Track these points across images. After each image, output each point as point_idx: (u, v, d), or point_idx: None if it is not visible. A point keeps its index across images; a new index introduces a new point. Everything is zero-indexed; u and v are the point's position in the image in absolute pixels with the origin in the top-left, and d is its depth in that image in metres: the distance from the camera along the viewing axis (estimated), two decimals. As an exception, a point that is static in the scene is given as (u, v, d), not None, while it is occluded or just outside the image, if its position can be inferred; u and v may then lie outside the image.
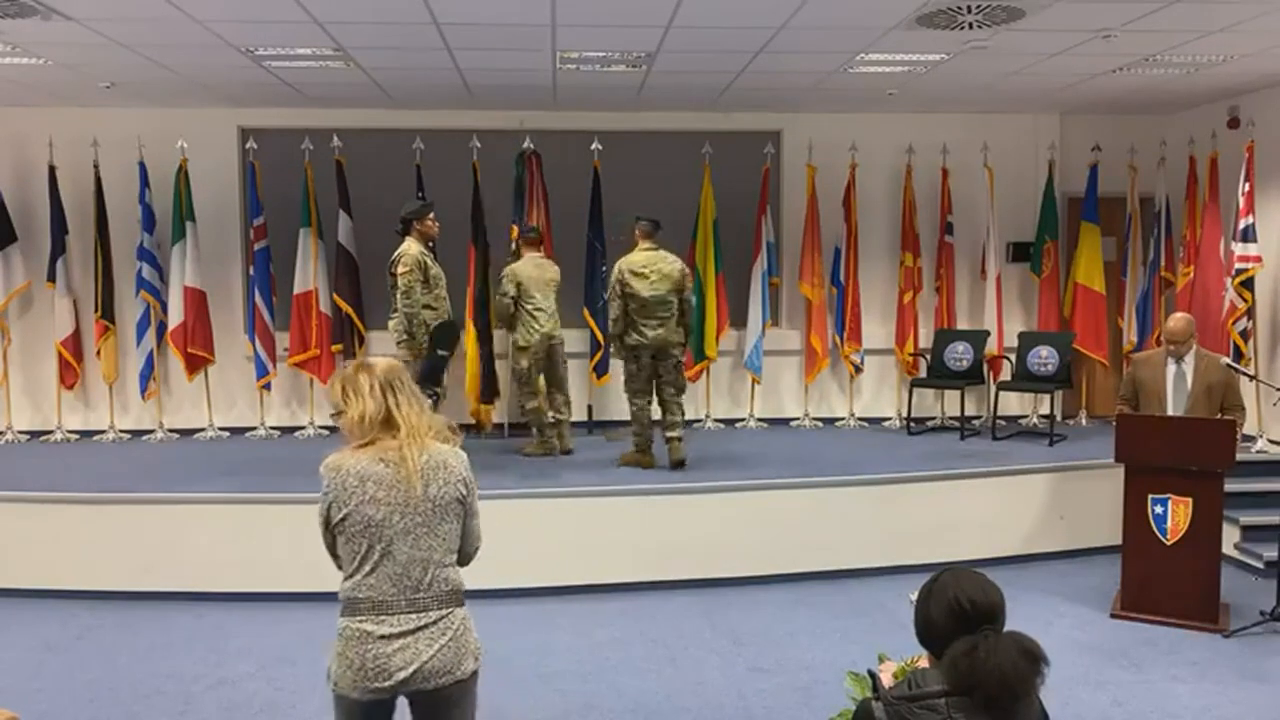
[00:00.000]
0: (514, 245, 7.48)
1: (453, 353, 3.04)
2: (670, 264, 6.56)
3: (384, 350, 8.10)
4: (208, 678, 4.74)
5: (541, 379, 7.20)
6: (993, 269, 8.42)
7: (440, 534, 2.63)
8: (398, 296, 6.19)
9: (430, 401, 2.91)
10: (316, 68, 6.60)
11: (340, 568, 2.68)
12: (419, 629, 2.59)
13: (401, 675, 2.57)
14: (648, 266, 6.52)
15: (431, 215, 6.42)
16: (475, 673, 2.73)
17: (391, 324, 6.38)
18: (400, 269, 6.17)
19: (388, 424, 2.61)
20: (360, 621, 2.59)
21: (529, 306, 7.01)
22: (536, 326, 7.01)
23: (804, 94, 7.68)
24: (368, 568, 2.59)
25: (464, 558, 2.79)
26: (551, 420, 7.22)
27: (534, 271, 7.06)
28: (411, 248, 6.25)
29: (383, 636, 2.56)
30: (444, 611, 2.65)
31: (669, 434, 6.61)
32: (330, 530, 2.64)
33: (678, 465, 6.54)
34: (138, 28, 5.68)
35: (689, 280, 6.78)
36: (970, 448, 7.50)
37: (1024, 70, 6.85)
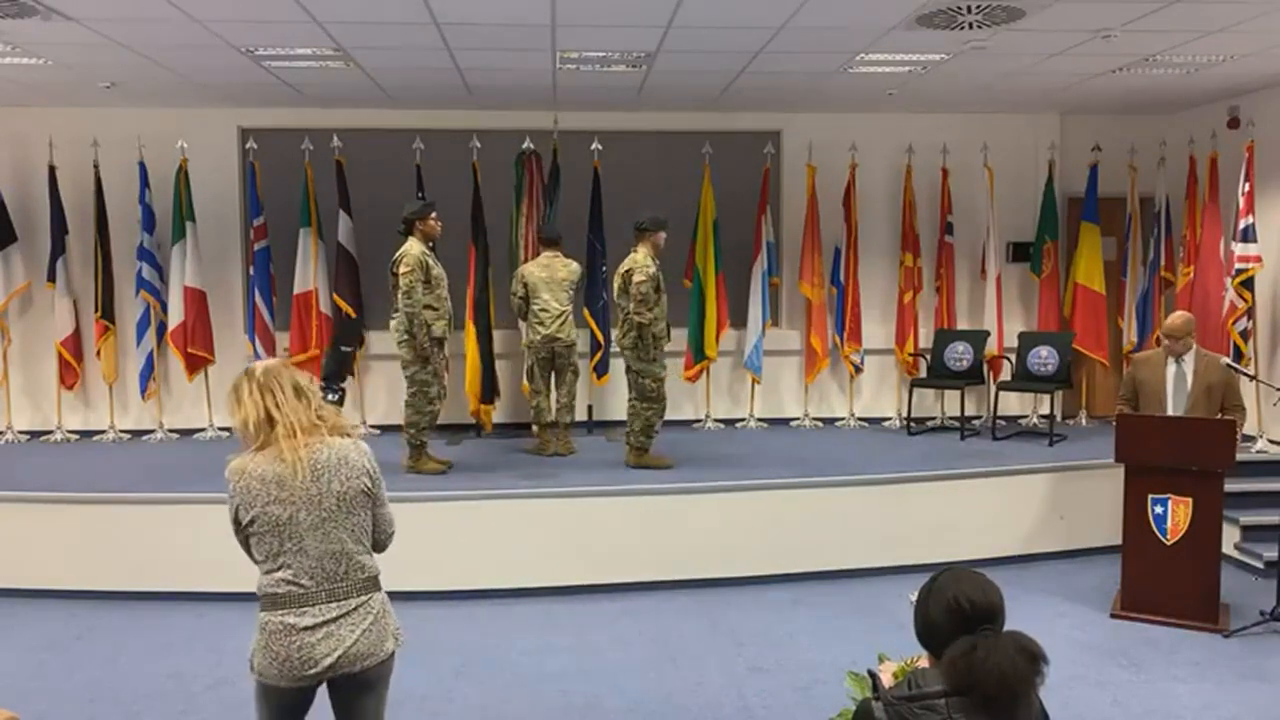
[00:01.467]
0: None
1: (356, 349, 3.11)
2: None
3: (384, 350, 8.10)
4: (208, 678, 4.74)
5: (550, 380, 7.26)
6: (993, 269, 8.42)
7: (349, 526, 2.74)
8: (399, 296, 6.20)
9: (335, 398, 2.99)
10: (316, 68, 6.60)
11: (256, 564, 2.78)
12: (340, 617, 2.71)
13: (327, 662, 2.69)
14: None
15: (434, 215, 6.43)
16: (393, 654, 2.86)
17: (393, 324, 6.39)
18: (402, 269, 6.17)
19: (272, 425, 2.72)
20: (282, 615, 2.69)
21: (535, 307, 7.03)
22: (539, 327, 7.02)
23: (804, 94, 7.68)
24: (282, 564, 2.70)
25: (378, 545, 2.90)
26: (550, 420, 7.23)
27: (541, 272, 7.06)
28: (413, 248, 6.25)
29: (306, 628, 2.67)
30: (363, 598, 2.76)
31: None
32: (241, 531, 2.76)
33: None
34: (138, 28, 5.69)
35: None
36: (970, 448, 7.50)
37: (1024, 70, 6.85)
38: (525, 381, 7.48)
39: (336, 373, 3.07)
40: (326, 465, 2.71)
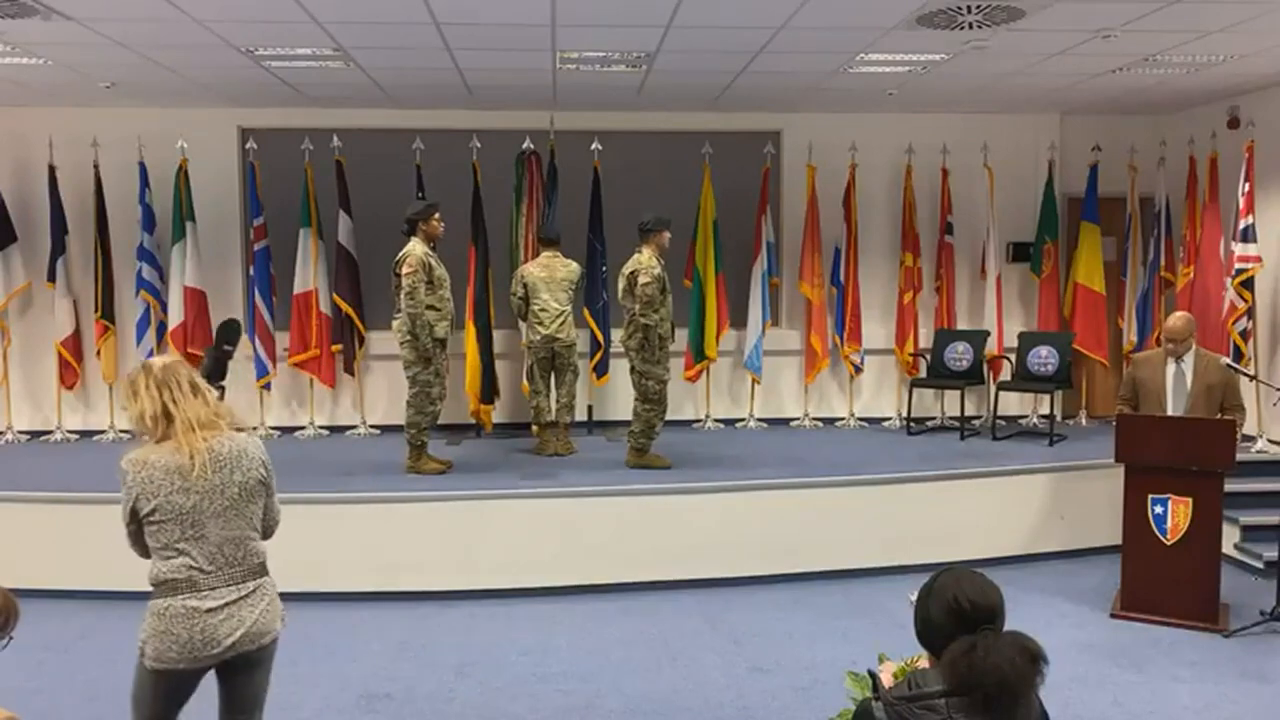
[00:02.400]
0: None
1: (235, 347, 3.17)
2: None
3: (385, 350, 8.12)
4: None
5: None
6: (993, 269, 8.42)
7: (248, 515, 2.93)
8: (402, 297, 6.19)
9: (217, 395, 3.06)
10: (316, 68, 6.60)
11: (144, 555, 2.91)
12: (241, 599, 2.89)
13: (229, 640, 2.86)
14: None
15: (437, 215, 6.43)
16: (278, 633, 3.05)
17: (395, 324, 6.39)
18: (405, 269, 6.17)
19: (170, 419, 2.82)
20: (183, 600, 2.83)
21: (534, 307, 7.04)
22: (539, 327, 7.03)
23: (804, 94, 7.68)
24: (182, 551, 2.82)
25: (267, 532, 3.08)
26: (550, 420, 7.23)
27: (541, 272, 7.07)
28: (416, 248, 6.26)
29: (209, 610, 2.84)
30: (259, 580, 2.97)
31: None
32: (136, 521, 2.85)
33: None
34: (138, 28, 5.68)
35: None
36: (970, 448, 7.50)
37: (1024, 70, 6.85)
38: (525, 381, 7.49)
39: (215, 371, 3.14)
40: (228, 457, 2.87)
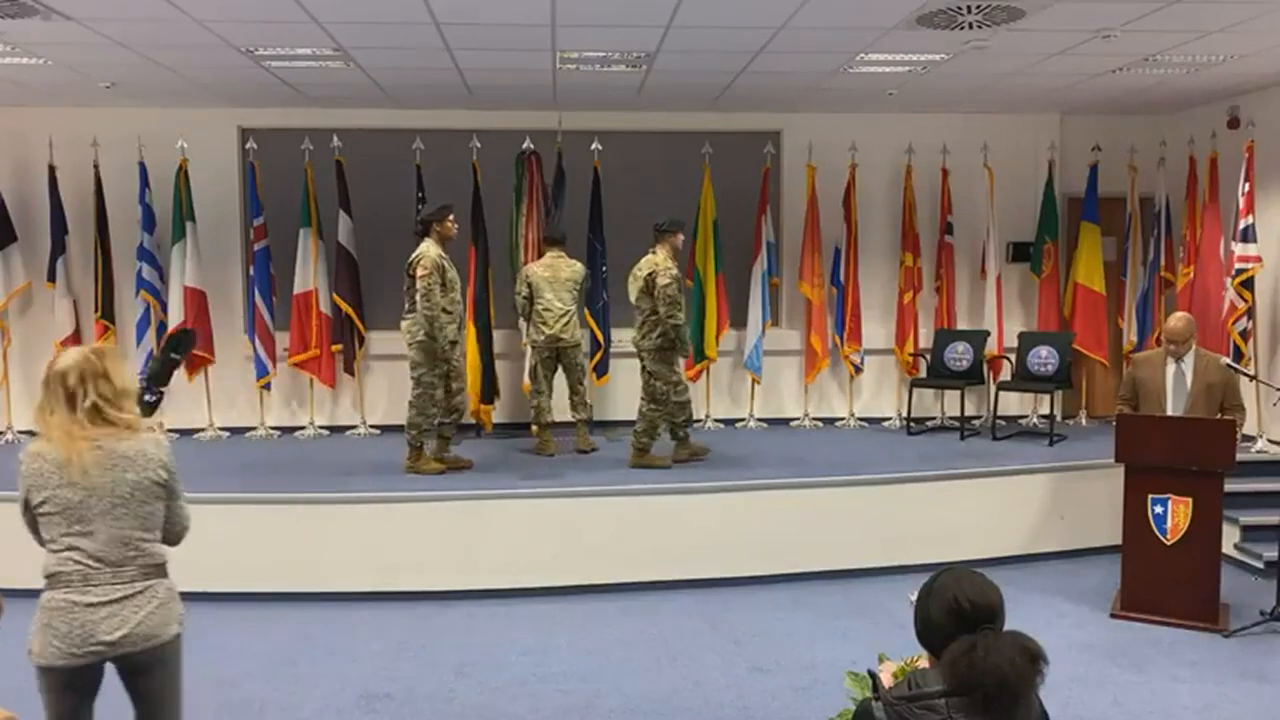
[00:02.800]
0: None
1: (185, 357, 3.16)
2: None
3: (385, 350, 8.14)
4: (208, 678, 4.74)
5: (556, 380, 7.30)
6: (993, 269, 8.42)
7: (140, 515, 2.88)
8: (417, 298, 6.20)
9: (153, 399, 3.08)
10: (316, 68, 6.60)
11: (42, 545, 2.91)
12: (125, 598, 2.85)
13: (109, 639, 2.82)
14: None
15: (451, 217, 6.45)
16: (179, 636, 2.99)
17: (405, 324, 6.40)
18: (420, 271, 6.18)
19: (74, 416, 2.83)
20: (66, 593, 2.83)
21: (539, 306, 7.07)
22: (543, 327, 7.05)
23: (804, 94, 7.68)
24: (69, 544, 2.83)
25: (172, 536, 3.03)
26: (550, 421, 7.23)
27: (545, 272, 7.10)
28: (430, 250, 6.27)
29: (89, 605, 2.82)
30: (148, 582, 2.91)
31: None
32: (30, 512, 2.88)
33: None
34: (138, 28, 5.68)
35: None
36: (970, 448, 7.50)
37: (1024, 70, 6.85)
38: (526, 380, 7.49)
39: (160, 375, 3.13)
40: (124, 456, 2.85)
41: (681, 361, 6.93)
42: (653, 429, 6.71)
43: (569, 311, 7.07)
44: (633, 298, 6.70)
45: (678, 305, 6.51)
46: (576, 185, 7.90)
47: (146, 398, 3.11)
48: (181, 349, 3.24)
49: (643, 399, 6.72)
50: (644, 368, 6.70)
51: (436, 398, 6.43)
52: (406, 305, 6.37)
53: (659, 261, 6.53)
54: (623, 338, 7.48)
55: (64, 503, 2.82)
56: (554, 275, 7.08)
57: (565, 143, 7.96)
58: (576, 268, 7.19)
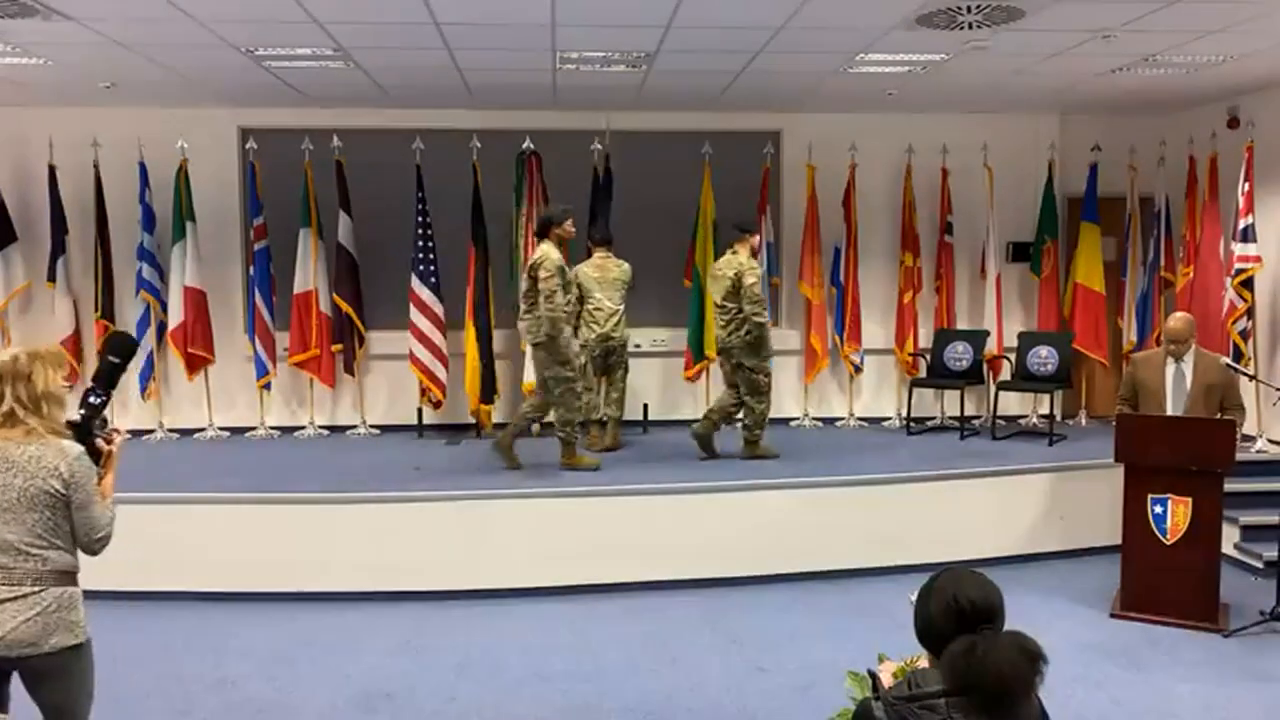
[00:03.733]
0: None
1: (125, 363, 3.12)
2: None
3: (385, 350, 8.14)
4: (208, 678, 4.74)
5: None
6: (992, 269, 8.42)
7: (28, 522, 2.85)
8: (539, 300, 6.27)
9: (97, 400, 3.06)
10: (316, 68, 6.60)
11: None
12: (7, 600, 2.84)
13: None
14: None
15: (571, 220, 6.52)
16: (75, 648, 2.97)
17: (524, 325, 6.52)
18: (543, 273, 6.26)
19: None
20: None
21: (589, 306, 7.19)
22: (595, 326, 7.17)
23: (804, 94, 7.68)
24: None
25: (84, 547, 2.99)
26: (601, 418, 7.38)
27: (595, 273, 7.22)
28: (552, 252, 6.37)
29: None
30: (36, 589, 2.87)
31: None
32: None
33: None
34: (138, 28, 5.68)
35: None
36: (970, 448, 7.51)
37: (1024, 70, 6.85)
38: (526, 381, 7.49)
39: (100, 376, 3.10)
40: (16, 461, 2.83)
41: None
42: (761, 421, 6.95)
43: (618, 310, 7.24)
44: (718, 297, 6.89)
45: (764, 304, 6.81)
46: (576, 185, 7.90)
47: (91, 399, 3.08)
48: (121, 352, 3.18)
49: (744, 394, 6.90)
50: (738, 365, 6.87)
51: (577, 390, 6.52)
52: (524, 306, 6.47)
53: (743, 261, 6.76)
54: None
55: None
56: (603, 275, 7.22)
57: (565, 142, 7.96)
58: (625, 267, 7.32)
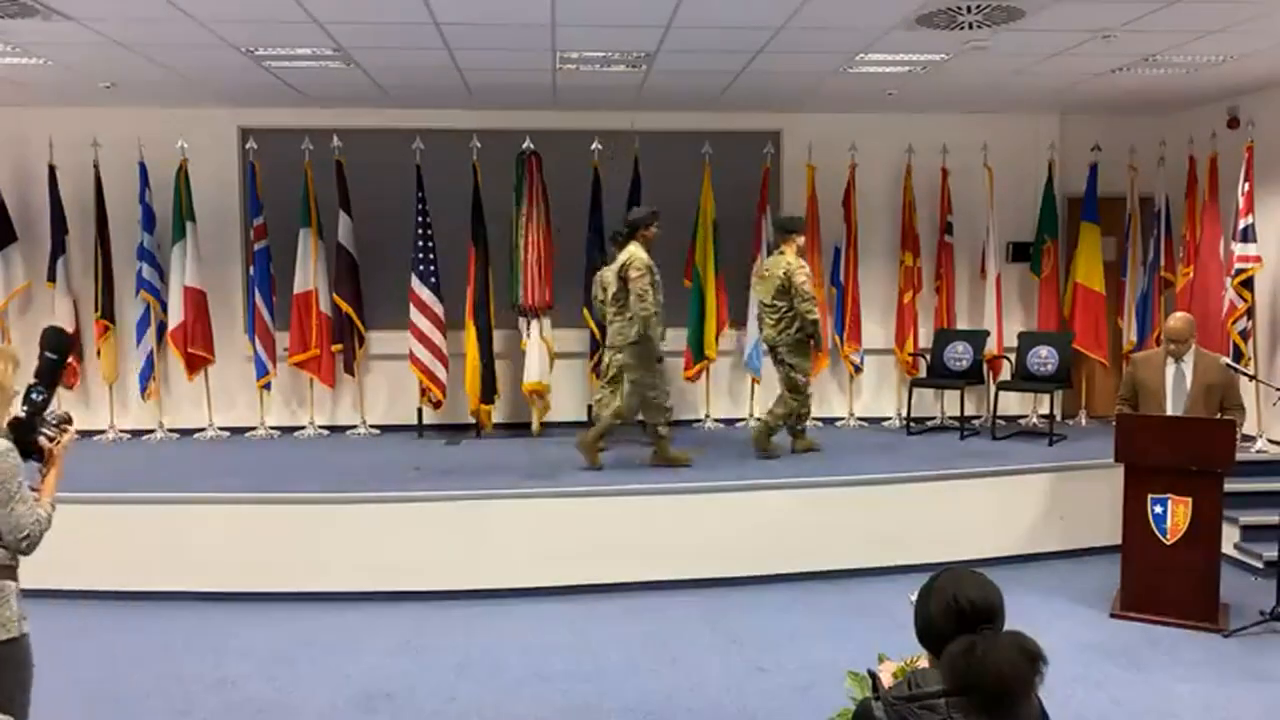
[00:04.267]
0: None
1: (63, 358, 3.10)
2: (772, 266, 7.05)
3: (385, 350, 8.14)
4: (208, 678, 4.74)
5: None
6: (992, 269, 8.42)
7: None
8: (632, 300, 6.31)
9: (39, 397, 3.05)
10: (316, 68, 6.60)
11: None
12: None
13: None
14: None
15: (658, 223, 6.55)
16: (7, 643, 3.02)
17: (615, 328, 6.56)
18: (634, 272, 6.32)
19: None
20: None
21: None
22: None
23: (804, 94, 7.68)
24: None
25: (11, 544, 3.02)
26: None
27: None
28: (639, 253, 6.41)
29: None
30: None
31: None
32: None
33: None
34: (138, 28, 5.69)
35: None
36: (970, 448, 7.51)
37: (1024, 70, 6.85)
38: (527, 380, 7.42)
39: (40, 371, 3.11)
40: None
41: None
42: (789, 415, 7.03)
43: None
44: (767, 297, 6.98)
45: (814, 301, 6.88)
46: (576, 185, 7.90)
47: (33, 395, 3.07)
48: (57, 348, 3.16)
49: (783, 390, 7.01)
50: (782, 361, 6.97)
51: (665, 389, 6.60)
52: (613, 310, 6.53)
53: (790, 260, 6.85)
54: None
55: None
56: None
57: (565, 142, 7.95)
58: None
